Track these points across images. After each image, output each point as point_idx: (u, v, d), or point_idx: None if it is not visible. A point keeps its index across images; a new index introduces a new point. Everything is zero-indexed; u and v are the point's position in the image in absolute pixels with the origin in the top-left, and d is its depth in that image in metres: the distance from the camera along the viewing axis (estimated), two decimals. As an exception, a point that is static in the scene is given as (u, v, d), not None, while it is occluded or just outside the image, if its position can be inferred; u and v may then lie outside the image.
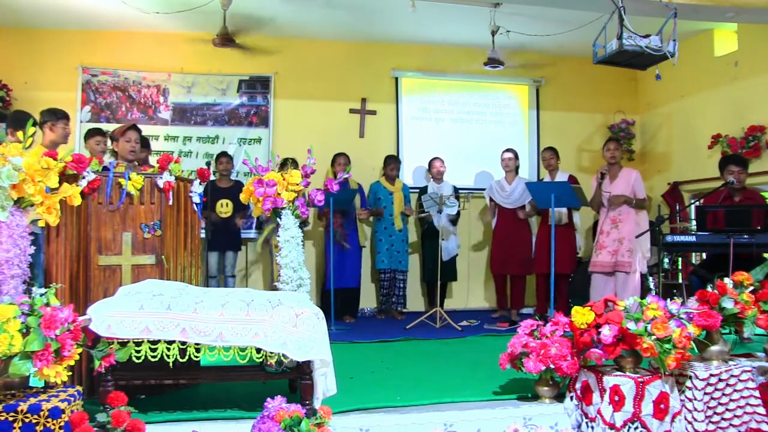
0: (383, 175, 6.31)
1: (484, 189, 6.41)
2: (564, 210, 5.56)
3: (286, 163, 5.57)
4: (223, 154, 6.04)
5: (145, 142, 4.95)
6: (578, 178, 5.98)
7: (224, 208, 5.70)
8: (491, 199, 6.09)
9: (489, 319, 6.01)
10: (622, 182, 5.21)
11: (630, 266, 5.07)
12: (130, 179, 3.08)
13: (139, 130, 4.23)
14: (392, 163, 6.25)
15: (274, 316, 2.61)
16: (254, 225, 6.38)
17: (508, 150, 6.02)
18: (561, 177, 5.74)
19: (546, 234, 5.72)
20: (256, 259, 6.48)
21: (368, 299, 6.56)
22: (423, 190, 6.23)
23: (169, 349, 2.57)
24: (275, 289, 3.58)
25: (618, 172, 5.30)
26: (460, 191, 6.30)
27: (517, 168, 6.02)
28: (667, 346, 2.68)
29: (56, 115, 4.23)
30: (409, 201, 6.32)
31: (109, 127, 6.15)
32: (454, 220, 6.18)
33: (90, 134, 5.11)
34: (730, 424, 2.94)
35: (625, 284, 5.07)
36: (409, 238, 6.38)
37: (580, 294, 5.63)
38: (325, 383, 2.71)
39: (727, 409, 2.96)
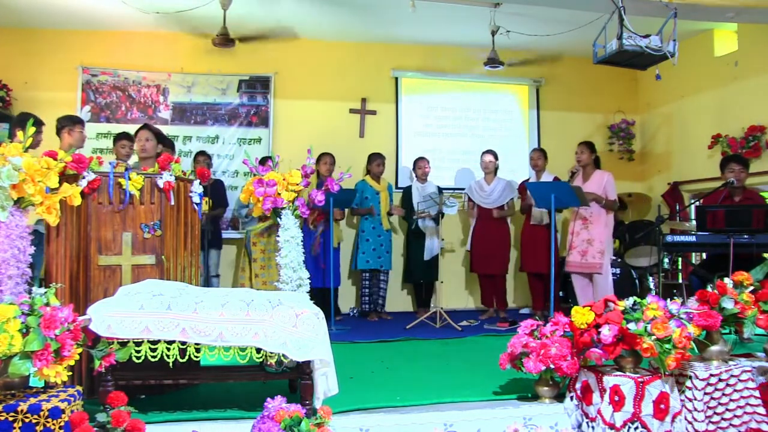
0: (368, 173, 6.22)
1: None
2: (545, 210, 5.57)
3: (265, 161, 5.51)
4: (201, 153, 5.96)
5: (167, 141, 4.97)
6: (562, 180, 5.99)
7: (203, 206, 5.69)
8: (470, 199, 6.13)
9: (484, 319, 6.00)
10: (594, 183, 5.28)
11: (601, 267, 5.14)
12: (130, 179, 3.08)
13: (152, 129, 4.27)
14: (377, 159, 6.14)
15: (274, 316, 2.61)
16: (229, 225, 6.32)
17: (488, 152, 6.06)
18: (546, 178, 5.80)
19: (531, 234, 5.76)
20: (237, 258, 6.45)
21: (346, 300, 6.49)
22: (407, 190, 6.23)
23: (169, 349, 2.57)
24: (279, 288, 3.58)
25: (591, 173, 5.36)
26: (444, 191, 6.28)
27: (496, 169, 6.06)
28: (667, 346, 2.68)
29: (73, 120, 4.46)
30: (392, 200, 6.28)
31: (109, 126, 6.19)
32: (436, 220, 6.14)
33: (117, 138, 5.17)
34: (730, 424, 2.94)
35: (599, 285, 5.13)
36: (393, 239, 6.36)
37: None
38: (326, 383, 2.70)
39: (727, 409, 2.96)
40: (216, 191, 5.80)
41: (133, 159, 5.14)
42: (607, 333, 2.75)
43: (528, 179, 6.19)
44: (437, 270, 5.73)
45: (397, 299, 6.61)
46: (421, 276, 6.19)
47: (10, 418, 2.16)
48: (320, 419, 2.37)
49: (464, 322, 5.68)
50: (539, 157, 5.87)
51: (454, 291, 6.78)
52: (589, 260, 5.18)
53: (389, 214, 6.18)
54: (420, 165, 6.20)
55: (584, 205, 5.26)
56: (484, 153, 6.07)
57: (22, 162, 2.53)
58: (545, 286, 5.27)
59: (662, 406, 2.70)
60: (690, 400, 2.88)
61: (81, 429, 2.20)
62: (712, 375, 2.94)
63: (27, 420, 2.16)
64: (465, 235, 6.92)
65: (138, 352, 2.54)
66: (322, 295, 5.51)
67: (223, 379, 2.96)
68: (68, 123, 4.44)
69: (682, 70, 5.70)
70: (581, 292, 5.28)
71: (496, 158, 6.04)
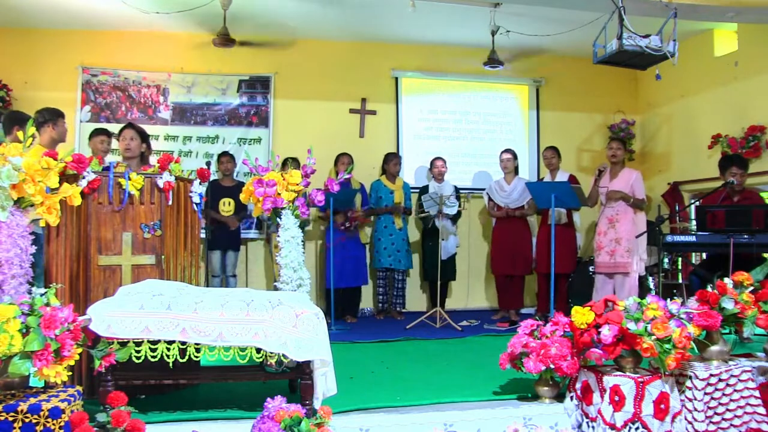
0: (384, 173, 6.28)
1: (483, 189, 6.41)
2: (563, 210, 5.56)
3: (287, 163, 5.57)
4: (224, 153, 6.04)
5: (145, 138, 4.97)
6: (578, 178, 5.98)
7: (226, 207, 5.71)
8: (490, 199, 6.10)
9: (489, 319, 6.01)
10: (622, 181, 5.22)
11: (629, 267, 5.07)
12: (130, 179, 3.08)
13: (136, 128, 4.22)
14: (394, 158, 6.21)
15: (274, 316, 2.61)
16: (255, 225, 6.38)
17: (506, 150, 6.03)
18: (561, 176, 5.74)
19: (546, 234, 5.71)
20: (256, 259, 6.48)
21: (367, 299, 6.54)
22: (423, 190, 6.23)
23: (169, 349, 2.57)
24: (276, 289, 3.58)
25: (619, 171, 5.31)
26: (460, 191, 6.30)
27: (516, 168, 6.02)
28: (667, 346, 2.68)
29: (56, 114, 4.27)
30: (410, 199, 6.30)
31: (109, 127, 6.17)
32: (453, 219, 6.18)
33: (95, 133, 5.13)
34: (731, 424, 2.94)
35: (623, 285, 5.07)
36: (410, 238, 6.37)
37: (580, 294, 5.62)
38: (325, 383, 2.70)
39: (727, 409, 2.96)
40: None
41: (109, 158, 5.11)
42: (607, 333, 2.75)
43: (542, 178, 6.17)
44: (454, 270, 5.72)
45: (415, 299, 6.61)
46: (436, 275, 6.19)
47: (10, 418, 2.15)
48: (320, 419, 2.37)
49: (464, 322, 5.68)
50: (553, 155, 5.84)
51: (454, 291, 6.77)
52: (617, 260, 5.11)
53: (403, 214, 6.20)
54: (436, 165, 6.24)
55: (584, 206, 5.25)
56: (502, 152, 6.03)
57: (22, 162, 2.53)
58: (558, 287, 5.23)
59: (662, 406, 2.70)
60: (690, 400, 2.87)
61: (81, 429, 2.20)
62: (712, 375, 2.94)
63: (27, 420, 2.16)
64: (468, 236, 6.92)
65: (138, 352, 2.54)
66: (353, 294, 5.86)
67: (223, 379, 2.96)
68: (52, 117, 4.19)
69: (682, 70, 5.71)
70: (603, 293, 5.19)
71: (515, 157, 6.00)
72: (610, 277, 5.19)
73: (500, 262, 6.01)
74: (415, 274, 6.57)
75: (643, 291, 5.79)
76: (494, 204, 6.06)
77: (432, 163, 6.30)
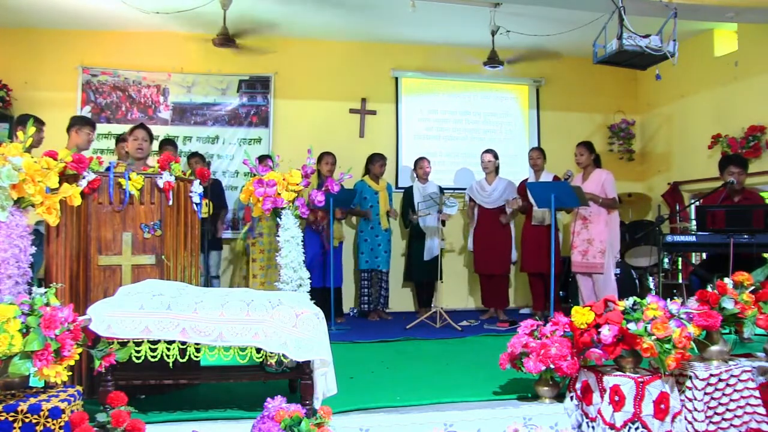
0: (367, 173, 6.21)
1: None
2: (546, 210, 5.56)
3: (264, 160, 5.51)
4: (194, 154, 5.94)
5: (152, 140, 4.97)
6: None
7: (203, 207, 5.68)
8: (471, 199, 6.13)
9: (485, 319, 6.00)
10: (593, 183, 5.26)
11: (602, 267, 5.10)
12: (130, 179, 3.08)
13: (146, 129, 4.27)
14: (380, 160, 6.15)
15: (274, 316, 2.61)
16: (229, 225, 6.33)
17: (487, 151, 6.04)
18: (545, 177, 5.78)
19: (532, 234, 5.74)
20: (235, 259, 6.45)
21: (348, 300, 6.50)
22: (408, 190, 6.23)
23: (169, 349, 2.57)
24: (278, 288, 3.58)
25: (590, 173, 5.34)
26: (446, 191, 6.28)
27: (497, 168, 6.02)
28: (667, 346, 2.68)
29: (82, 121, 4.49)
30: (392, 200, 6.28)
31: (110, 127, 6.19)
32: (443, 223, 6.15)
33: (81, 123, 5.00)
34: (731, 424, 2.94)
35: (600, 285, 5.10)
36: (393, 239, 6.35)
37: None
38: (325, 383, 2.70)
39: (727, 409, 2.96)
40: (214, 193, 5.77)
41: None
42: (607, 333, 2.75)
43: (527, 179, 6.19)
44: (438, 270, 5.72)
45: (398, 299, 6.61)
46: (422, 276, 6.19)
47: (10, 418, 2.16)
48: (320, 419, 2.37)
49: (464, 322, 5.68)
50: (539, 156, 5.86)
51: (454, 291, 6.78)
52: (589, 260, 5.16)
53: (388, 214, 6.17)
54: (421, 165, 6.20)
55: (584, 205, 5.25)
56: (483, 152, 6.05)
57: (22, 162, 2.53)
58: (546, 286, 5.26)
59: (662, 406, 2.70)
60: (690, 400, 2.88)
61: (81, 429, 2.20)
62: (712, 375, 2.94)
63: (27, 420, 2.16)
64: (466, 235, 6.93)
65: (138, 352, 2.54)
66: (323, 294, 5.53)
67: (223, 379, 2.96)
68: (77, 123, 4.47)
69: (682, 70, 5.71)
70: (585, 291, 5.25)
71: (496, 157, 6.01)
72: (589, 276, 5.22)
73: (481, 261, 6.04)
74: (396, 275, 6.52)
75: (643, 291, 5.80)
76: (475, 204, 6.09)
77: (417, 163, 6.24)
